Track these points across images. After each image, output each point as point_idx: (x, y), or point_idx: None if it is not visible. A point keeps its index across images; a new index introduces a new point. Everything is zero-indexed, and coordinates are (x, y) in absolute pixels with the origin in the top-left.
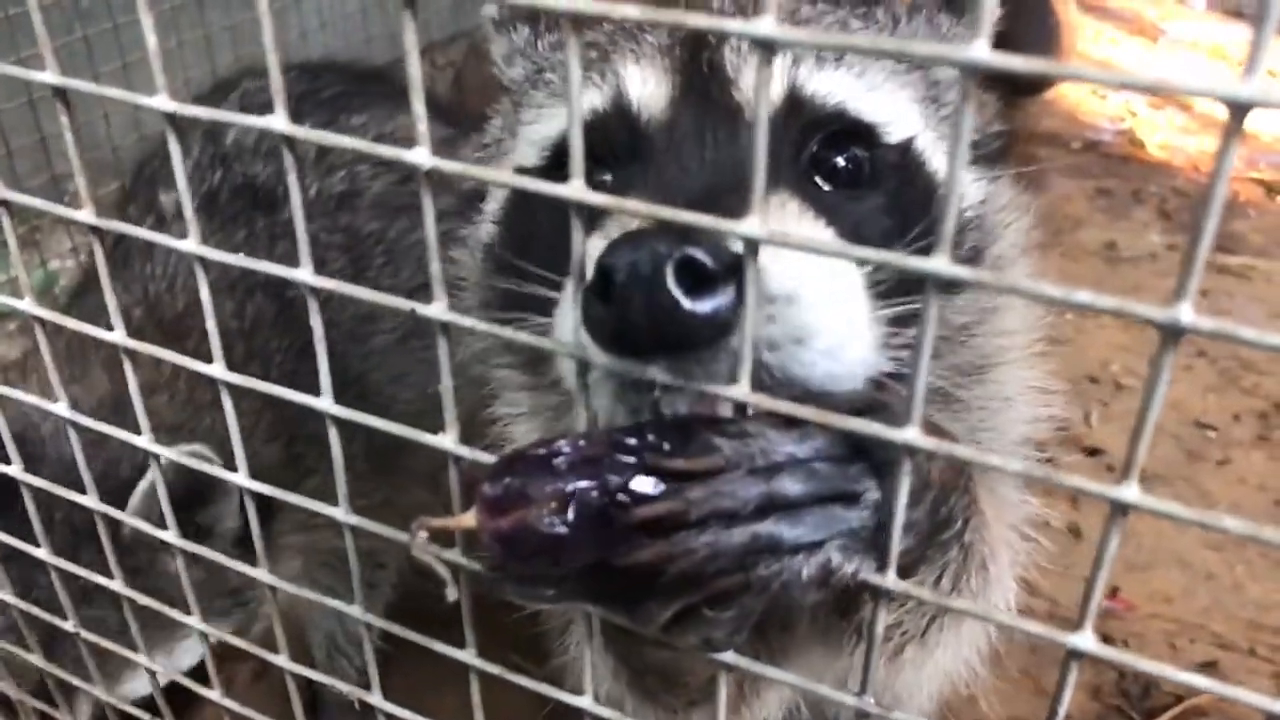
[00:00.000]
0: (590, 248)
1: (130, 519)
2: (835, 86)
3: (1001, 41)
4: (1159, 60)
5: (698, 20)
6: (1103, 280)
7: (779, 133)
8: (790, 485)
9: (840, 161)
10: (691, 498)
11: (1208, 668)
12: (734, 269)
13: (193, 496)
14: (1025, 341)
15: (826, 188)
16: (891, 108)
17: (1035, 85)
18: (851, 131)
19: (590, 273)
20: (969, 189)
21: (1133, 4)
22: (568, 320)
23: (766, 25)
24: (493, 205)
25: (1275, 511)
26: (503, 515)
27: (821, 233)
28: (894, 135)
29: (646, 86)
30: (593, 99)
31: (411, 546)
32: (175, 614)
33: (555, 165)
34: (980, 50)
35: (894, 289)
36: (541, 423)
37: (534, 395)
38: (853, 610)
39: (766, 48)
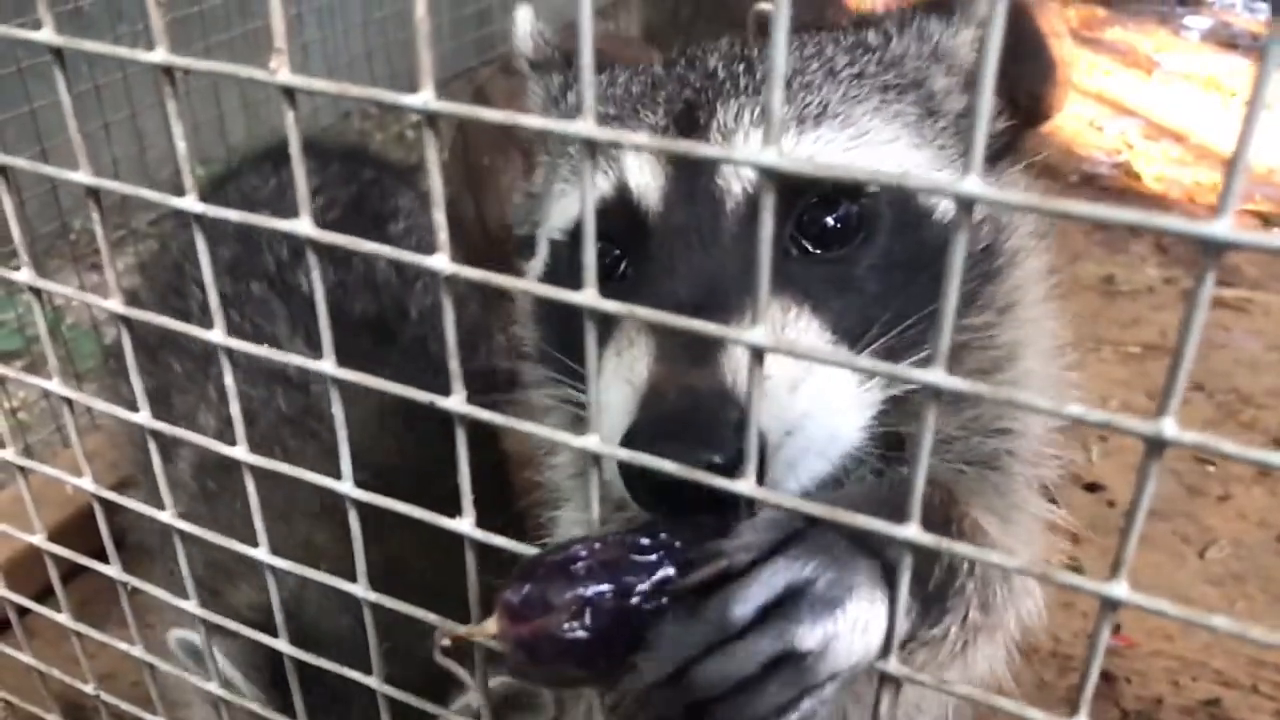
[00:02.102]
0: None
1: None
2: (817, 150)
3: (999, 79)
4: (1154, 92)
5: (706, 150)
6: (1100, 314)
7: (760, 203)
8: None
9: (829, 221)
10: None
11: (1210, 705)
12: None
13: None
14: (1044, 330)
15: (816, 251)
16: (877, 154)
17: (1031, 118)
18: (837, 189)
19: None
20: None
21: (1128, 37)
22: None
23: (770, 156)
24: (538, 262)
25: (1277, 547)
26: (524, 622)
27: (804, 325)
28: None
29: (643, 176)
30: (601, 185)
31: (434, 653)
32: None
33: (576, 242)
34: (973, 184)
35: (892, 352)
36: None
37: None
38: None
39: (769, 176)
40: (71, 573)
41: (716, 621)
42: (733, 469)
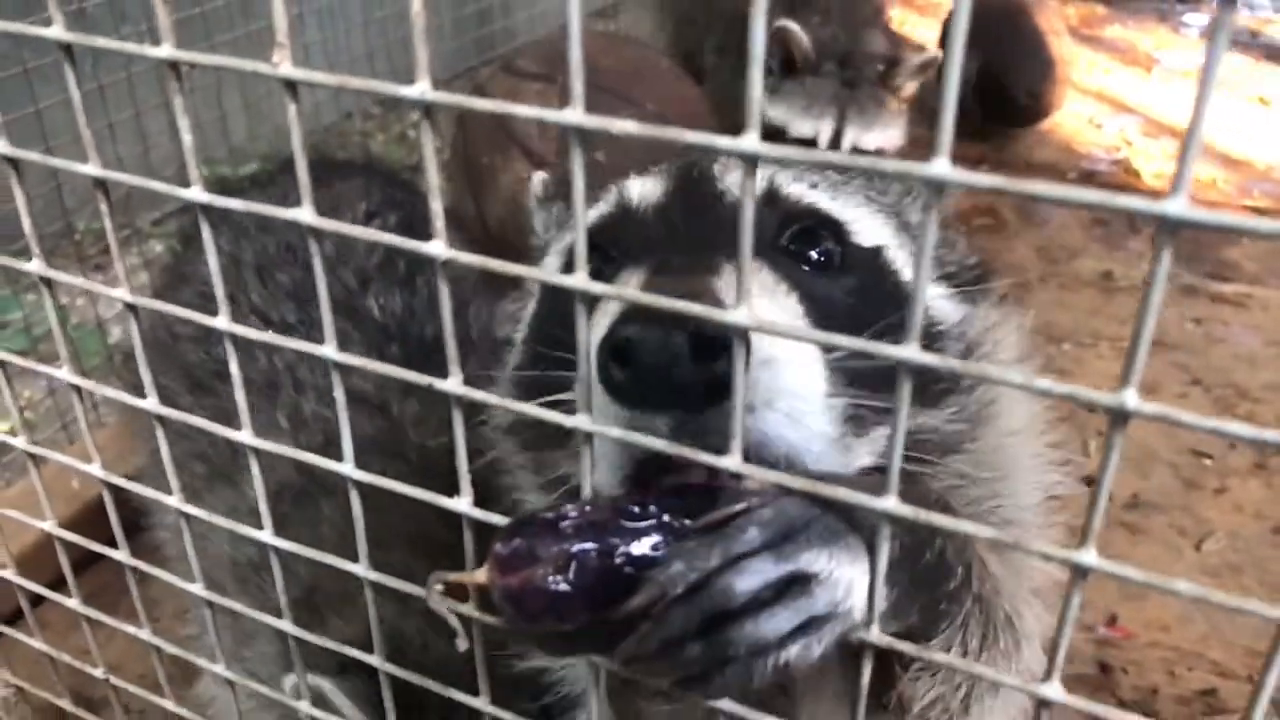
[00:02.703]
0: (599, 325)
1: None
2: (809, 190)
3: (999, 77)
4: (1153, 89)
5: (692, 137)
6: (1099, 310)
7: (758, 214)
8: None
9: (814, 254)
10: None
11: (1206, 695)
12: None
13: None
14: (1033, 442)
15: (804, 268)
16: (862, 216)
17: (1031, 116)
18: (824, 226)
19: (598, 343)
20: (946, 308)
21: (1127, 34)
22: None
23: (750, 142)
24: (527, 310)
25: (1273, 539)
26: (512, 573)
27: (788, 302)
28: (865, 239)
29: (644, 188)
30: (601, 208)
31: (428, 599)
32: None
33: (568, 267)
34: (942, 167)
35: (858, 378)
36: None
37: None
38: (889, 683)
39: (751, 161)
40: (80, 566)
41: (733, 540)
42: (722, 349)
